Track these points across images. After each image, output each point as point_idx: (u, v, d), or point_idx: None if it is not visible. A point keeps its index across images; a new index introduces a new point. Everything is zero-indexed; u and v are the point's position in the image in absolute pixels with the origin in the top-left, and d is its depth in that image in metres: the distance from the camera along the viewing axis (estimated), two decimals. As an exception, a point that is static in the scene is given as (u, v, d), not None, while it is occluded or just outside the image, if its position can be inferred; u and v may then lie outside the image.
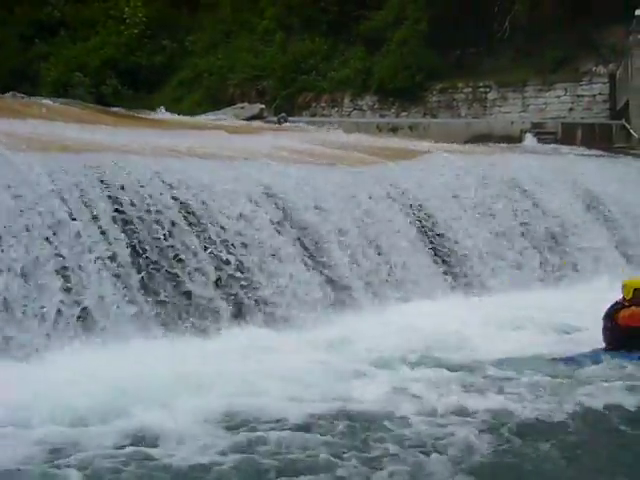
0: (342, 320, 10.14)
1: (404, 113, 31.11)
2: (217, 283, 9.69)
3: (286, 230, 10.92)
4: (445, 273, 12.31)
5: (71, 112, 19.12)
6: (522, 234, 13.83)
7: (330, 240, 11.16)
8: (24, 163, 9.47)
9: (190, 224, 10.02)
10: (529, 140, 24.50)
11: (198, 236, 9.96)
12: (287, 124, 24.28)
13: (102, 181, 9.85)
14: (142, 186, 10.03)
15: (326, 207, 11.62)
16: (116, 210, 9.62)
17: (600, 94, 28.14)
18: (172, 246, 9.66)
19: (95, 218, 9.31)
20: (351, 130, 23.75)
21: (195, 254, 9.69)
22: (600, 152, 21.45)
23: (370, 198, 12.43)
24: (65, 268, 8.66)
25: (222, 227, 10.21)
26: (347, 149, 15.98)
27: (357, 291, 10.97)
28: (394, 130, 26.07)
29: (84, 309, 8.56)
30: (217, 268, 9.78)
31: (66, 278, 8.60)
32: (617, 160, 19.61)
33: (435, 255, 12.45)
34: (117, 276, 9.00)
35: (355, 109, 32.27)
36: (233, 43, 36.73)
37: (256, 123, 23.68)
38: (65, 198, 9.23)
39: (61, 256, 8.69)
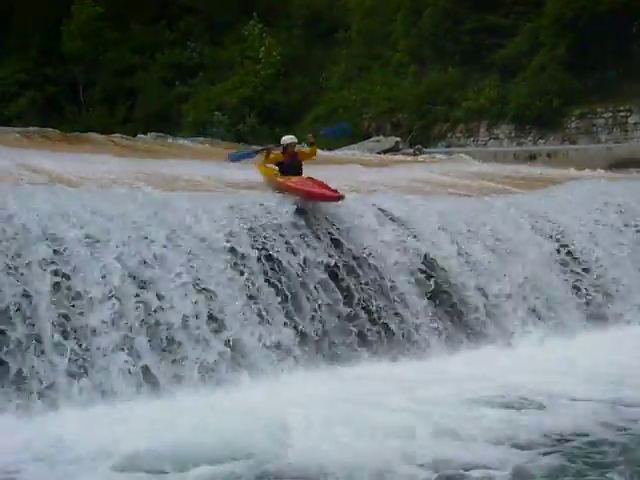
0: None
1: (541, 140, 30.56)
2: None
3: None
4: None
5: (212, 151, 19.67)
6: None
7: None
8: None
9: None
10: (674, 164, 23.66)
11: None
12: (423, 156, 24.25)
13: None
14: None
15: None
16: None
17: None
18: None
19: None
20: (487, 159, 23.54)
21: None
22: None
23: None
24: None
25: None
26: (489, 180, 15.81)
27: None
28: (532, 158, 25.61)
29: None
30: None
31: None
32: None
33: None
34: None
35: (491, 138, 31.92)
36: (367, 77, 37.04)
37: (392, 156, 23.76)
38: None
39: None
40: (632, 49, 28.96)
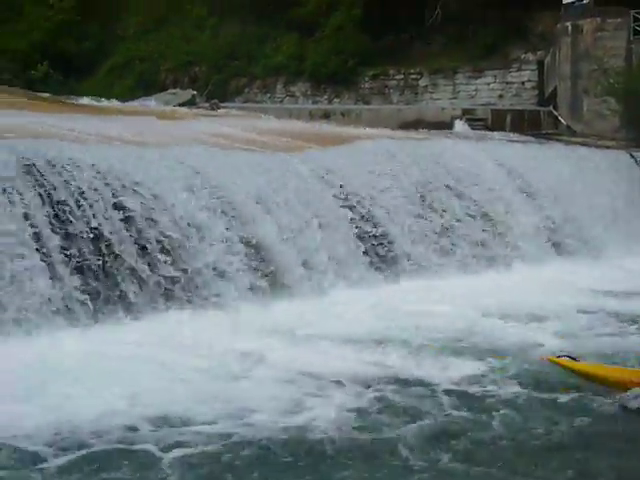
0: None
1: (337, 99, 31.23)
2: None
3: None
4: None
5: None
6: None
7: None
8: None
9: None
10: (459, 126, 24.82)
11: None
12: (219, 110, 24.19)
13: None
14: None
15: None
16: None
17: (529, 81, 28.59)
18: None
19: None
20: (283, 116, 23.78)
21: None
22: (528, 138, 21.91)
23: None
24: None
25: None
26: (279, 135, 16.01)
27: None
28: (327, 116, 26.15)
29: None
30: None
31: None
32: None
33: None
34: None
35: (288, 95, 32.29)
36: (165, 29, 36.42)
37: (188, 109, 23.54)
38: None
39: None
40: (424, 14, 29.97)
